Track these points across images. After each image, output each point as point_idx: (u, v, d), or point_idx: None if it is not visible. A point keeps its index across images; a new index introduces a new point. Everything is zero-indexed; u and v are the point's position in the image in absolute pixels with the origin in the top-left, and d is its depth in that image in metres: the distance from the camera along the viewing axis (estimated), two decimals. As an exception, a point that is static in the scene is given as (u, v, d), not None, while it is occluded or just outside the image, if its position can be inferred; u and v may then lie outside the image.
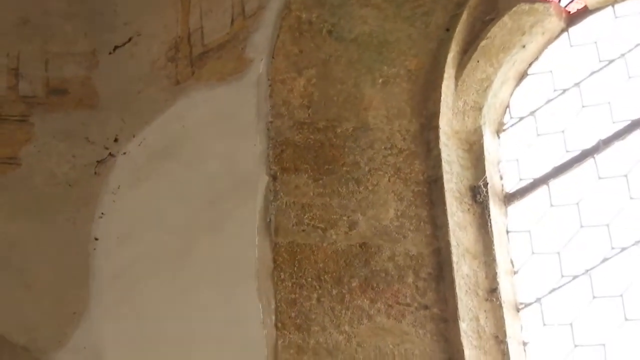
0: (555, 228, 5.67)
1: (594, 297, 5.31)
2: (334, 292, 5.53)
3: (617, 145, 5.58)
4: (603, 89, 5.97)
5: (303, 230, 5.68)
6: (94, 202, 6.39)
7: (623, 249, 5.37)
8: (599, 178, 5.65)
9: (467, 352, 5.33)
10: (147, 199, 6.32)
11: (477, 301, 5.57)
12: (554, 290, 5.53)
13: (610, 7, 6.22)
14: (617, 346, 5.19)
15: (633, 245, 5.36)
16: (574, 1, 6.28)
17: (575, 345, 5.26)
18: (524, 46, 6.34)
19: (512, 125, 6.22)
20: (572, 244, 5.63)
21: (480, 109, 6.26)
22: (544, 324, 5.44)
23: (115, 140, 6.45)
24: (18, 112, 6.47)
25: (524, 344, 5.52)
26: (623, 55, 5.96)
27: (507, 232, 5.90)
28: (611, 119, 5.70)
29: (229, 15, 6.57)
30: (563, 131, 5.96)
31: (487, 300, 5.60)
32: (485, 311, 5.57)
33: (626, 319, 5.12)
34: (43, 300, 6.06)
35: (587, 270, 5.47)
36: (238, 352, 5.48)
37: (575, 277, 5.49)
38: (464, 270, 5.65)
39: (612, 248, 5.39)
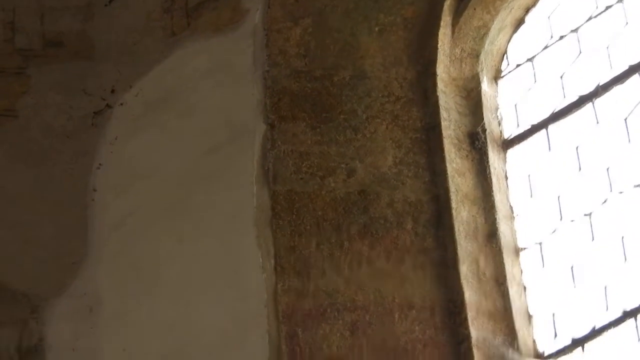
0: (554, 173, 5.65)
1: (593, 240, 5.24)
2: (333, 238, 5.55)
3: (616, 90, 5.52)
4: (601, 35, 5.94)
5: (301, 178, 5.70)
6: (91, 153, 6.29)
7: (621, 192, 5.28)
8: (597, 123, 5.58)
9: (467, 294, 5.32)
10: (144, 149, 6.23)
11: (476, 246, 5.57)
12: (553, 233, 5.51)
13: None
14: (618, 287, 5.09)
15: (632, 188, 5.26)
16: None
17: (576, 287, 5.20)
18: None
19: (510, 72, 6.20)
20: (571, 188, 5.56)
21: (478, 56, 6.25)
22: (544, 267, 5.39)
23: (112, 91, 6.35)
24: (15, 64, 6.41)
25: (524, 287, 5.46)
26: (621, 0, 5.82)
27: (506, 177, 5.89)
28: (609, 64, 5.64)
29: None
30: (561, 77, 5.96)
31: (486, 244, 5.60)
32: (485, 255, 5.57)
33: (626, 261, 5.06)
34: (42, 252, 5.95)
35: (587, 214, 5.41)
36: (238, 298, 5.46)
37: (574, 221, 5.40)
38: (463, 216, 5.65)
39: (611, 191, 5.32)
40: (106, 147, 6.28)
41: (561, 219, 5.55)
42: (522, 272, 5.52)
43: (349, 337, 5.29)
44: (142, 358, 5.63)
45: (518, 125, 5.98)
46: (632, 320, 5.01)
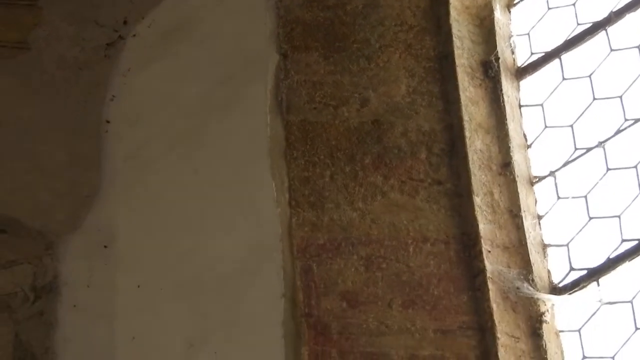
0: (568, 101, 5.65)
1: (607, 169, 5.28)
2: (347, 169, 5.54)
3: (629, 17, 5.53)
4: None
5: (315, 108, 5.68)
6: (104, 84, 6.19)
7: (636, 121, 5.31)
8: (612, 50, 5.63)
9: (482, 226, 5.31)
10: (158, 80, 6.15)
11: (490, 176, 5.53)
12: (567, 163, 5.56)
13: None
14: (632, 218, 5.10)
15: None
16: None
17: (590, 218, 5.25)
18: None
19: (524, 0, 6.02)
20: (585, 116, 5.61)
21: None
22: (559, 197, 5.44)
23: (125, 22, 6.27)
24: None
25: (539, 217, 5.50)
26: None
27: (520, 106, 5.90)
28: None
29: None
30: (574, 4, 5.93)
31: (500, 174, 5.58)
32: (499, 185, 5.56)
33: None
34: (56, 183, 5.93)
35: (601, 143, 5.46)
36: (252, 230, 5.46)
37: (589, 150, 5.48)
38: (477, 145, 5.61)
39: (626, 120, 5.36)
40: (119, 78, 6.24)
41: (575, 149, 5.48)
42: (536, 202, 5.54)
43: (363, 272, 5.27)
44: (156, 292, 5.61)
45: (532, 54, 5.99)
46: None
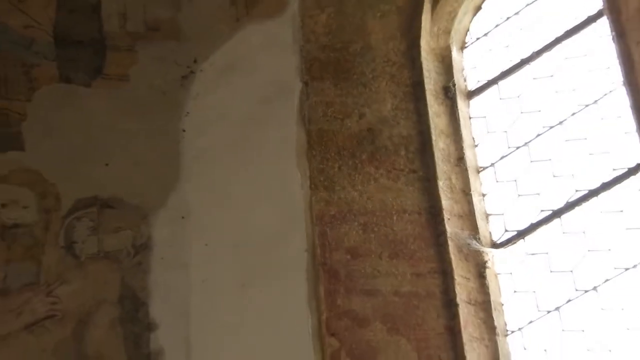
0: (503, 115, 5.73)
1: (531, 162, 5.46)
2: (350, 162, 5.67)
3: (546, 55, 5.66)
4: (536, 14, 5.95)
5: (327, 120, 5.77)
6: (181, 105, 6.28)
7: (551, 127, 5.43)
8: (534, 79, 5.69)
9: (444, 202, 5.45)
10: (217, 101, 6.22)
11: (449, 166, 5.70)
12: (503, 157, 5.65)
13: None
14: (547, 194, 5.28)
15: (557, 124, 5.34)
16: None
17: (519, 195, 5.42)
18: None
19: (472, 43, 6.24)
20: (516, 124, 5.70)
21: (449, 32, 6.25)
22: (497, 181, 5.56)
23: (195, 61, 6.33)
24: (126, 43, 6.34)
25: (483, 195, 5.63)
26: None
27: (470, 117, 6.02)
28: (541, 38, 5.69)
29: None
30: (507, 46, 6.02)
31: (456, 165, 5.74)
32: (455, 173, 5.72)
33: (555, 176, 5.23)
34: (149, 174, 6.03)
35: (527, 143, 5.58)
36: (285, 205, 5.60)
37: (517, 148, 5.58)
38: (440, 145, 5.76)
39: (543, 127, 5.51)
40: (191, 100, 6.29)
41: (508, 147, 5.61)
42: (481, 185, 5.67)
43: (362, 234, 5.41)
44: (218, 248, 5.74)
45: (478, 81, 6.04)
46: (558, 219, 5.16)
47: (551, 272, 5.13)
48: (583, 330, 4.90)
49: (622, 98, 5.09)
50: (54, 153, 5.96)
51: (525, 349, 5.20)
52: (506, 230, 5.42)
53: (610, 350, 4.84)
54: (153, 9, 6.66)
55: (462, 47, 6.36)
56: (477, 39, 6.27)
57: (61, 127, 6.03)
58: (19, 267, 5.52)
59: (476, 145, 5.92)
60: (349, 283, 5.25)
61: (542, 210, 5.32)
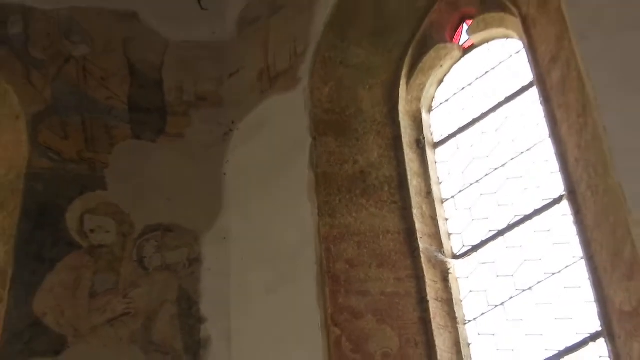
0: (462, 158, 5.69)
1: (480, 195, 5.40)
2: (347, 196, 5.58)
3: (493, 115, 5.64)
4: (484, 86, 5.97)
5: (330, 165, 5.69)
6: (222, 154, 6.27)
7: (509, 163, 5.41)
8: (483, 133, 5.68)
9: (417, 225, 5.42)
10: (249, 152, 6.21)
11: (420, 198, 5.62)
12: (460, 192, 5.56)
13: (485, 44, 6.16)
14: (494, 217, 5.27)
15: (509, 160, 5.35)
16: (467, 41, 6.23)
17: (472, 219, 5.36)
18: (441, 66, 6.26)
19: (437, 107, 6.16)
20: (472, 165, 5.66)
21: (420, 99, 6.21)
22: (456, 209, 5.52)
23: (232, 122, 6.41)
24: (182, 110, 6.49)
25: (446, 219, 5.57)
26: (487, 72, 5.97)
27: (436, 162, 5.93)
28: (490, 99, 5.70)
29: (287, 54, 6.40)
30: (463, 108, 5.95)
31: (426, 197, 5.67)
32: (425, 204, 5.65)
33: (495, 193, 5.23)
34: (199, 205, 6.03)
35: (478, 180, 5.51)
36: (299, 228, 5.50)
37: (472, 184, 5.53)
38: (414, 182, 5.68)
39: (486, 176, 5.48)
40: (230, 151, 6.30)
41: (464, 184, 5.54)
42: (445, 212, 5.62)
43: (357, 249, 5.35)
44: (251, 260, 5.67)
45: (441, 135, 6.03)
46: (502, 237, 5.14)
47: (497, 276, 5.09)
48: (522, 320, 4.89)
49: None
50: (129, 191, 6.00)
51: (479, 334, 5.13)
52: (463, 245, 5.37)
53: (542, 335, 4.80)
54: (202, 84, 6.65)
55: (430, 109, 6.24)
56: (441, 103, 6.14)
57: (134, 172, 6.06)
58: (103, 277, 5.55)
59: (440, 183, 5.84)
60: (347, 286, 5.20)
61: (490, 230, 5.29)
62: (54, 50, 6.43)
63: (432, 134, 6.09)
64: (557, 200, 4.98)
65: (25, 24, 6.49)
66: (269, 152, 6.01)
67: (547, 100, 5.13)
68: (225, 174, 6.18)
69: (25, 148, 5.95)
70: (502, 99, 5.75)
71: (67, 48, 6.51)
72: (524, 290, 4.95)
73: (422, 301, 5.05)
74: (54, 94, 6.23)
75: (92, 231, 5.68)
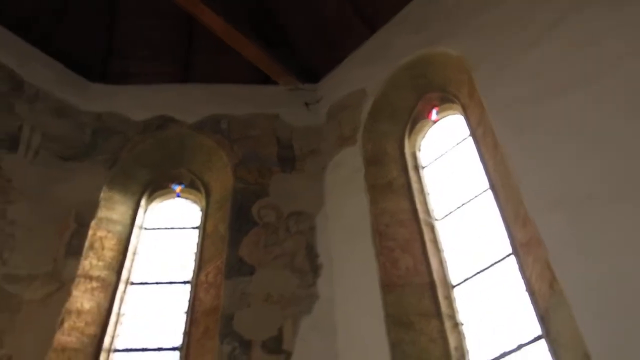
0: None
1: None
2: (382, 193, 5.98)
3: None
4: (459, 152, 6.08)
5: (374, 179, 6.12)
6: (323, 177, 6.68)
7: (469, 200, 5.42)
8: (453, 169, 5.74)
9: (417, 205, 5.80)
10: (334, 175, 6.53)
11: (418, 193, 6.07)
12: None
13: (445, 118, 6.45)
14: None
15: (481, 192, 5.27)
16: (436, 116, 6.59)
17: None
18: (424, 130, 6.68)
19: (423, 168, 6.31)
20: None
21: (414, 146, 6.61)
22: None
23: (325, 163, 6.74)
24: (302, 157, 6.80)
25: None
26: (454, 146, 6.04)
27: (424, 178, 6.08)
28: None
29: (351, 128, 6.68)
30: (434, 148, 6.13)
31: (421, 194, 6.00)
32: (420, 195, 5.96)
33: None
34: (313, 200, 6.35)
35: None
36: (362, 210, 5.78)
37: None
38: (415, 186, 6.09)
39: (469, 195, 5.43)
40: (326, 175, 6.71)
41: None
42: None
43: (389, 218, 5.75)
44: (341, 230, 5.88)
45: (428, 160, 6.12)
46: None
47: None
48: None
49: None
50: (281, 198, 6.40)
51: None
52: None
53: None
54: (310, 145, 6.94)
55: (419, 149, 6.52)
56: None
57: (278, 188, 6.52)
58: (270, 238, 6.02)
59: (428, 195, 5.97)
60: (385, 236, 5.62)
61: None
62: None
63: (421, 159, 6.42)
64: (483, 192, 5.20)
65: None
66: (345, 175, 6.34)
67: (476, 142, 5.58)
68: (324, 186, 6.54)
69: (230, 179, 6.58)
70: (454, 144, 6.16)
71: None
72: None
73: (422, 242, 5.53)
74: (243, 154, 6.91)
75: (263, 216, 6.17)
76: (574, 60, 4.52)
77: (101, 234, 5.87)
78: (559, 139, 4.30)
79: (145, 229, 6.29)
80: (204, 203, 6.46)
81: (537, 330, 4.09)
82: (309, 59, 7.19)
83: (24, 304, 5.04)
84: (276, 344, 5.03)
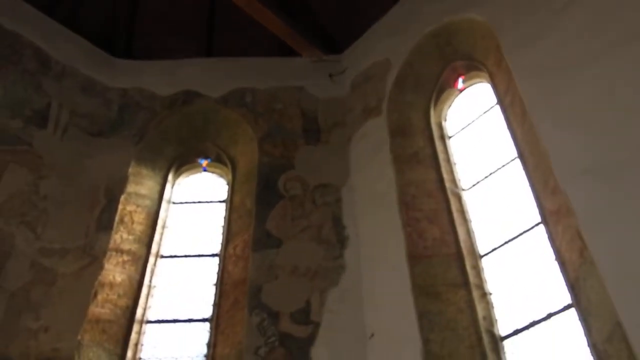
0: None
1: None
2: (409, 164, 5.93)
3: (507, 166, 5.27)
4: (486, 121, 6.04)
5: (400, 149, 6.09)
6: (349, 148, 6.63)
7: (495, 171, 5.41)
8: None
9: (444, 174, 5.85)
10: (361, 144, 6.43)
11: (445, 163, 6.05)
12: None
13: (471, 87, 6.39)
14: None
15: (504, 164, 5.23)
16: (462, 85, 6.57)
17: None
18: (450, 99, 6.63)
19: (449, 137, 6.25)
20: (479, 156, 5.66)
21: (440, 116, 6.54)
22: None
23: (351, 134, 6.68)
24: (327, 129, 6.78)
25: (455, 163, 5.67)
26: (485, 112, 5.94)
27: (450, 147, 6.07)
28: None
29: (375, 99, 6.62)
30: (463, 115, 6.09)
31: (447, 162, 6.02)
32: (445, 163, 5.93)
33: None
34: (339, 172, 6.32)
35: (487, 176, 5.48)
36: (389, 181, 5.74)
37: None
38: (441, 156, 6.11)
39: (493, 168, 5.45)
40: (352, 146, 6.59)
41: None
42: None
43: (415, 189, 5.74)
44: (366, 202, 5.85)
45: (455, 130, 6.03)
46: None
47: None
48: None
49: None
50: (308, 170, 6.38)
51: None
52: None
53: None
54: (335, 117, 6.87)
55: (445, 119, 6.44)
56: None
57: (304, 161, 6.49)
58: (296, 211, 6.00)
59: (455, 164, 5.97)
60: (412, 207, 5.56)
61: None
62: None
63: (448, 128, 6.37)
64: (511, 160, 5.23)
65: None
66: (371, 146, 6.34)
67: (504, 111, 5.56)
68: (350, 158, 6.54)
69: (256, 152, 6.61)
70: (481, 112, 6.14)
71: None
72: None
73: (449, 212, 5.50)
74: (268, 127, 6.87)
75: (289, 189, 6.21)
76: (604, 27, 4.44)
77: (130, 208, 5.96)
78: (589, 107, 4.24)
79: (174, 203, 6.37)
80: (230, 177, 6.51)
81: (567, 299, 4.04)
82: (333, 29, 7.18)
83: (59, 277, 5.19)
84: (304, 316, 5.08)
